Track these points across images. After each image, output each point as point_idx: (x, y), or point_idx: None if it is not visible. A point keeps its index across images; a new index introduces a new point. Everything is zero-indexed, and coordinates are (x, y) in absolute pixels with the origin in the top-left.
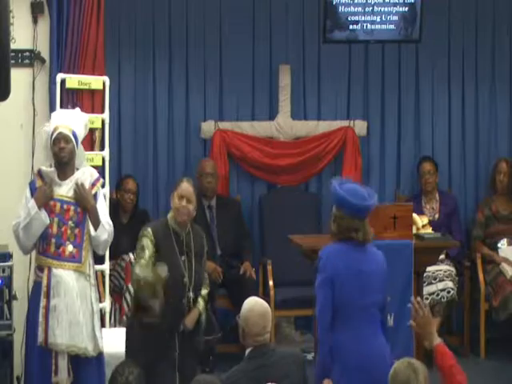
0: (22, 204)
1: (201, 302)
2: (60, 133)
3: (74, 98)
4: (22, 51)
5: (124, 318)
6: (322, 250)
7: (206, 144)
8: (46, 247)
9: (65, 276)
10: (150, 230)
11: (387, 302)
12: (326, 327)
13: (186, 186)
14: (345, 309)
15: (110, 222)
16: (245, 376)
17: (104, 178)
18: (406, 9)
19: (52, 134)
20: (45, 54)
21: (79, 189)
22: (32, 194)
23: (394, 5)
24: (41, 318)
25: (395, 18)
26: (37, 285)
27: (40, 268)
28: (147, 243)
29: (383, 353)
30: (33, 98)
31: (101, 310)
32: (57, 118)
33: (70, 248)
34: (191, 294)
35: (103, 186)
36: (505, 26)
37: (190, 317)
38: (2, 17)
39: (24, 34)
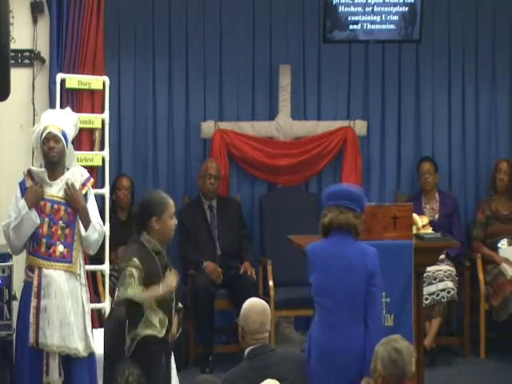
0: (12, 204)
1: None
2: (49, 132)
3: (73, 98)
4: (22, 51)
5: None
6: (308, 245)
7: (206, 144)
8: (36, 247)
9: (55, 276)
10: (136, 260)
11: (374, 295)
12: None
13: (173, 203)
14: (323, 301)
15: (101, 222)
16: (244, 377)
17: (104, 177)
18: (406, 9)
19: (42, 134)
20: (45, 53)
21: (69, 189)
22: (22, 194)
23: (394, 5)
24: (31, 319)
25: (395, 17)
26: (27, 285)
27: (30, 268)
28: (135, 272)
29: (359, 345)
30: (33, 98)
31: (100, 310)
32: (46, 118)
33: (60, 248)
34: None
35: (103, 186)
36: (505, 26)
37: (175, 326)
38: (2, 17)
39: (24, 34)
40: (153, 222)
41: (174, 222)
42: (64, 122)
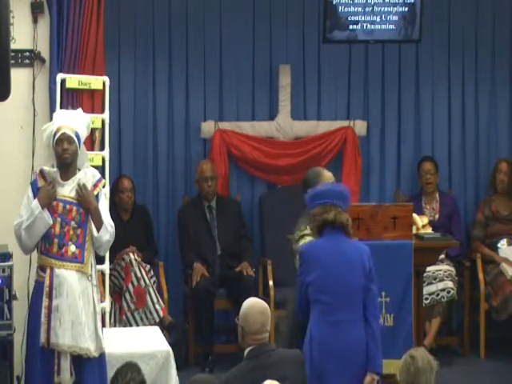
0: (23, 204)
1: None
2: (63, 133)
3: (74, 98)
4: (22, 51)
5: (124, 317)
6: (303, 246)
7: (206, 144)
8: (48, 247)
9: (67, 276)
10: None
11: (374, 292)
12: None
13: (329, 176)
14: (325, 299)
15: (112, 223)
16: (244, 377)
17: (104, 177)
18: (406, 9)
19: (55, 135)
20: (45, 54)
21: (81, 190)
22: (34, 194)
23: (394, 5)
24: (43, 319)
25: (395, 18)
26: (39, 285)
27: (42, 268)
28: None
29: (360, 341)
30: (33, 98)
31: (101, 310)
32: (60, 119)
33: (72, 248)
34: None
35: (103, 186)
36: (505, 26)
37: None
38: (2, 17)
39: (24, 33)
40: None
41: None
42: (77, 123)
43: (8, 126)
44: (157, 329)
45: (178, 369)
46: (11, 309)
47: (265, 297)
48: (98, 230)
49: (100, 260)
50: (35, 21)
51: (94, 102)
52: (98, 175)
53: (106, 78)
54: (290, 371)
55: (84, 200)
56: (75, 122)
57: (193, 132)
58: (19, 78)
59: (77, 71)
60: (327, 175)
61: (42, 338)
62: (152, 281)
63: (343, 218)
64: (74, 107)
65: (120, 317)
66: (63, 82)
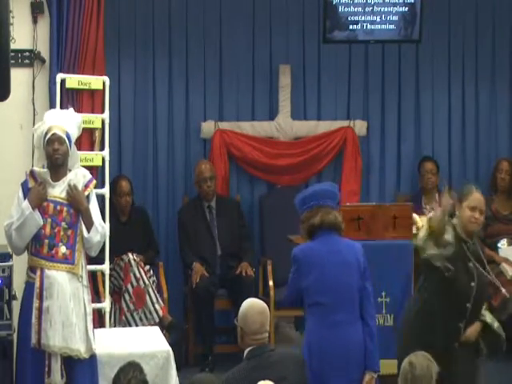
0: (14, 204)
1: (486, 314)
2: (54, 134)
3: (73, 98)
4: (22, 51)
5: (123, 318)
6: (297, 249)
7: (206, 144)
8: (38, 248)
9: (58, 277)
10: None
11: (369, 290)
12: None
13: (477, 197)
14: (323, 300)
15: (103, 224)
16: (244, 377)
17: (104, 177)
18: (406, 9)
19: (46, 135)
20: (45, 54)
21: (72, 190)
22: (24, 195)
23: (394, 5)
24: (34, 320)
25: (395, 18)
26: (29, 286)
27: (32, 269)
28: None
29: (359, 341)
30: (33, 98)
31: (100, 310)
32: (50, 119)
33: (63, 249)
34: (471, 300)
35: (103, 186)
36: (505, 26)
37: (472, 328)
38: (2, 17)
39: (24, 33)
40: (457, 207)
41: (471, 214)
42: (68, 123)
43: (8, 125)
44: (157, 329)
45: (178, 369)
46: (11, 309)
47: (265, 297)
48: (89, 230)
49: (100, 260)
50: (35, 21)
51: (93, 102)
52: (89, 176)
53: (106, 78)
54: (290, 371)
55: (74, 200)
56: (66, 122)
57: (193, 132)
58: (19, 77)
59: (77, 71)
60: (475, 196)
61: (33, 339)
62: (151, 281)
63: (331, 218)
64: (73, 107)
65: (120, 317)
66: (63, 81)
